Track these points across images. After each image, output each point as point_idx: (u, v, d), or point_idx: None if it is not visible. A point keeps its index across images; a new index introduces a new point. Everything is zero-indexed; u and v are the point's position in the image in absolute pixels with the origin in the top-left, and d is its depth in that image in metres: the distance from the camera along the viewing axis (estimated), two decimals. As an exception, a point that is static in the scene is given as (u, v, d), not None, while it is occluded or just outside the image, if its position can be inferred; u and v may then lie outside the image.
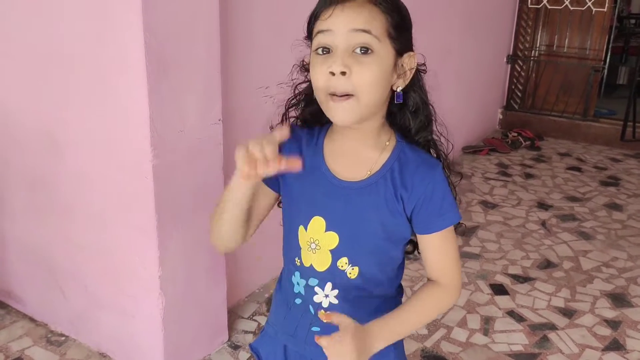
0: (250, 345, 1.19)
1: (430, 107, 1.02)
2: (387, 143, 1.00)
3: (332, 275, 1.01)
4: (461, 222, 1.03)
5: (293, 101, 1.06)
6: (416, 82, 1.00)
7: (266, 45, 2.14)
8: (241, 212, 0.97)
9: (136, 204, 1.70)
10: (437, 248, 1.01)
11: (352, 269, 1.00)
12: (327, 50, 0.91)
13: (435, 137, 1.04)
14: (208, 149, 1.79)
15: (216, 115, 1.79)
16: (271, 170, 0.85)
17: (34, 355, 1.99)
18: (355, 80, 0.89)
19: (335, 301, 1.02)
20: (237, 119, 2.05)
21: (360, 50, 0.89)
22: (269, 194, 1.06)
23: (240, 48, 2.03)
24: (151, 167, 1.62)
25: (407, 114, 1.01)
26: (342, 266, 1.00)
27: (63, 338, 2.08)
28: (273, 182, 1.03)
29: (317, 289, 1.03)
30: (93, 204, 1.83)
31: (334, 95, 0.91)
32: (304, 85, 1.04)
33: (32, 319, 2.17)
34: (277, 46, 2.15)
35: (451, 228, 1.00)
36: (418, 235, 1.01)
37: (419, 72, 1.00)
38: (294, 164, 0.87)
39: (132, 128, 1.63)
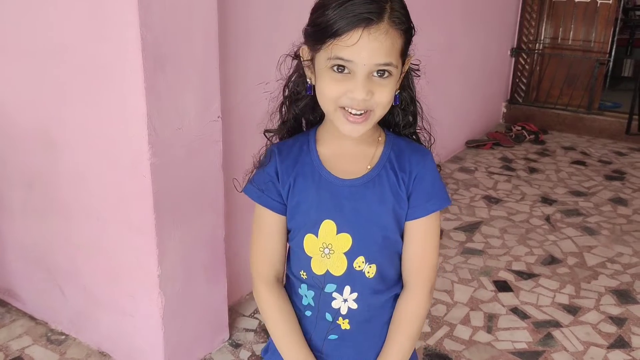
0: None
1: (418, 104, 1.04)
2: (380, 138, 1.03)
3: (350, 277, 1.00)
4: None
5: (294, 104, 1.05)
6: (406, 81, 1.01)
7: (265, 40, 2.11)
8: None
9: (134, 203, 1.68)
10: (422, 236, 1.01)
11: (370, 267, 1.00)
12: (342, 68, 0.90)
13: (418, 130, 1.07)
14: (207, 146, 1.77)
15: (215, 112, 1.77)
16: None
17: (33, 354, 1.97)
18: (376, 100, 0.91)
19: (355, 305, 1.02)
20: (236, 116, 2.02)
21: (378, 73, 0.90)
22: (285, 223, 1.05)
23: (238, 43, 2.01)
24: (149, 165, 1.60)
25: (397, 111, 1.03)
26: (359, 266, 1.00)
27: (63, 337, 2.06)
28: (282, 209, 1.03)
29: (335, 294, 1.02)
30: (91, 203, 1.81)
31: (344, 109, 0.91)
32: (293, 78, 1.04)
33: (32, 318, 2.16)
34: (276, 41, 2.12)
35: (437, 216, 1.01)
36: (406, 224, 1.01)
37: (410, 72, 1.01)
38: None
39: (129, 126, 1.60)
